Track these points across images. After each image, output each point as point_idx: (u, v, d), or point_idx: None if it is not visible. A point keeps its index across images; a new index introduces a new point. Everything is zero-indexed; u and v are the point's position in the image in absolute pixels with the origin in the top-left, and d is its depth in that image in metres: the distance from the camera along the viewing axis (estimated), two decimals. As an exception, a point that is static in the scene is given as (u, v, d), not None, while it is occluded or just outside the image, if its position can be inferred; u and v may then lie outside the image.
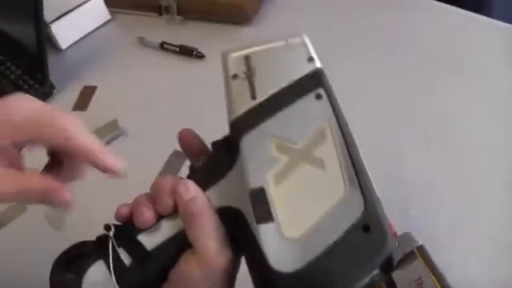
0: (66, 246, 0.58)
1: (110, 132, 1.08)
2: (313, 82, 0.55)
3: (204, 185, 0.53)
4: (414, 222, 0.87)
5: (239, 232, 0.51)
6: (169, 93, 1.16)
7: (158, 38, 1.29)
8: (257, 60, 0.57)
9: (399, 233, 0.80)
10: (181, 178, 0.55)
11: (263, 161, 0.51)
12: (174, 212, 0.53)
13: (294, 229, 0.48)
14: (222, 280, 0.52)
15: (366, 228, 0.47)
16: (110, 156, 0.53)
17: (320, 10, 1.30)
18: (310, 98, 0.54)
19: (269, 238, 0.48)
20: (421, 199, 0.91)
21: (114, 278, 0.52)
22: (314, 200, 0.49)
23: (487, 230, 0.86)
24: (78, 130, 0.52)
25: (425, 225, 0.87)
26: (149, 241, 0.53)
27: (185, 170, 0.97)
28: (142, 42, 1.31)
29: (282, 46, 0.58)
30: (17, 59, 1.26)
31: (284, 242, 0.48)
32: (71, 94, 1.21)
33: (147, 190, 0.56)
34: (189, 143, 0.59)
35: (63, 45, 1.33)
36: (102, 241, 0.53)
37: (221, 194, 0.53)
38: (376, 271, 0.47)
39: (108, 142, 1.07)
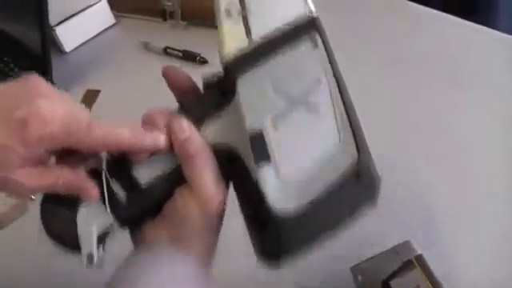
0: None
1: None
2: (309, 26, 0.54)
3: (197, 121, 0.54)
4: (414, 230, 0.88)
5: (233, 168, 0.53)
6: (172, 97, 1.15)
7: (161, 43, 1.30)
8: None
9: (398, 241, 0.80)
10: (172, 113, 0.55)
11: (261, 103, 0.52)
12: (169, 147, 0.53)
13: (291, 171, 0.50)
14: (217, 213, 0.54)
15: (357, 175, 0.49)
16: (147, 136, 0.52)
17: (320, 17, 1.30)
18: (307, 43, 0.53)
19: (268, 180, 0.49)
20: (420, 208, 0.91)
21: (109, 210, 0.52)
22: (309, 144, 0.51)
23: (487, 238, 0.86)
24: (114, 132, 0.52)
25: (424, 233, 0.87)
26: (143, 174, 0.53)
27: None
28: (146, 46, 1.31)
29: None
30: (21, 61, 1.26)
31: (282, 184, 0.49)
32: (74, 97, 1.20)
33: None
34: (177, 82, 0.59)
35: (67, 48, 1.34)
36: (94, 174, 0.53)
37: (215, 131, 0.53)
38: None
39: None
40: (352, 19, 1.31)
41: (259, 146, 0.50)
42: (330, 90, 0.52)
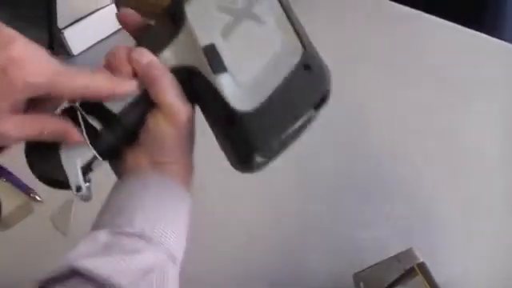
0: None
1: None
2: None
3: (155, 49, 0.58)
4: (416, 238, 0.88)
5: (195, 86, 0.58)
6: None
7: (169, 48, 1.30)
8: None
9: (401, 249, 0.80)
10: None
11: (209, 22, 0.58)
12: (134, 77, 0.57)
13: (245, 75, 0.56)
14: (187, 131, 0.58)
15: (307, 67, 0.55)
16: (120, 84, 0.57)
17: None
18: None
19: (226, 85, 0.55)
20: (423, 216, 0.91)
21: (88, 143, 0.57)
22: (258, 49, 0.57)
23: (488, 245, 0.87)
24: (92, 82, 0.55)
25: (426, 240, 0.87)
26: (115, 106, 0.58)
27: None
28: (154, 50, 1.31)
29: None
30: (29, 63, 1.27)
31: (239, 86, 0.56)
32: (81, 98, 1.22)
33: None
34: (130, 21, 0.63)
35: (75, 51, 1.34)
36: (68, 111, 0.58)
37: (173, 55, 0.58)
38: (312, 111, 0.56)
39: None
40: (350, 22, 1.31)
41: (213, 57, 0.56)
42: (270, 1, 0.58)
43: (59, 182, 0.59)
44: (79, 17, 1.33)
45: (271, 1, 0.58)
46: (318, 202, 0.95)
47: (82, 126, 0.57)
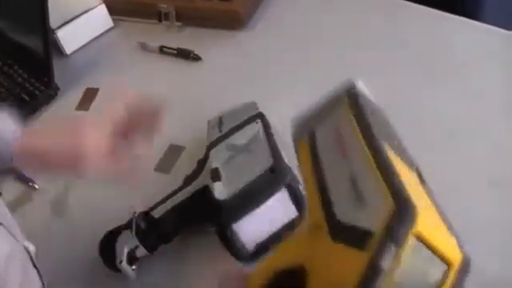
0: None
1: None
2: (256, 116, 0.93)
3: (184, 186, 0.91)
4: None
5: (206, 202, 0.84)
6: (167, 93, 1.17)
7: (157, 43, 1.34)
8: (225, 116, 0.97)
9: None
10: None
11: (220, 156, 0.88)
12: None
13: (232, 181, 0.82)
14: None
15: (272, 170, 0.79)
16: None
17: (314, 11, 1.34)
18: (253, 124, 0.91)
19: (217, 188, 0.81)
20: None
21: (134, 233, 0.85)
22: (246, 168, 0.83)
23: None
24: None
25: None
26: (158, 211, 0.87)
27: (179, 164, 1.03)
28: (143, 46, 1.36)
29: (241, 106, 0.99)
30: (24, 63, 1.31)
31: (225, 188, 0.81)
32: (75, 95, 1.26)
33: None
34: None
35: (68, 50, 1.39)
36: (129, 221, 0.88)
37: (196, 184, 0.89)
38: (295, 213, 0.77)
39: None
40: (345, 13, 1.32)
41: (215, 174, 0.84)
42: (261, 135, 0.88)
43: (114, 266, 0.86)
44: (71, 17, 1.38)
45: (261, 137, 0.87)
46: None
47: (133, 226, 0.85)
